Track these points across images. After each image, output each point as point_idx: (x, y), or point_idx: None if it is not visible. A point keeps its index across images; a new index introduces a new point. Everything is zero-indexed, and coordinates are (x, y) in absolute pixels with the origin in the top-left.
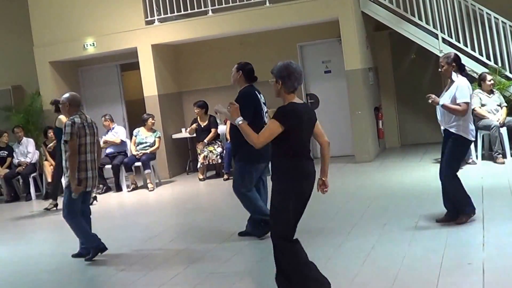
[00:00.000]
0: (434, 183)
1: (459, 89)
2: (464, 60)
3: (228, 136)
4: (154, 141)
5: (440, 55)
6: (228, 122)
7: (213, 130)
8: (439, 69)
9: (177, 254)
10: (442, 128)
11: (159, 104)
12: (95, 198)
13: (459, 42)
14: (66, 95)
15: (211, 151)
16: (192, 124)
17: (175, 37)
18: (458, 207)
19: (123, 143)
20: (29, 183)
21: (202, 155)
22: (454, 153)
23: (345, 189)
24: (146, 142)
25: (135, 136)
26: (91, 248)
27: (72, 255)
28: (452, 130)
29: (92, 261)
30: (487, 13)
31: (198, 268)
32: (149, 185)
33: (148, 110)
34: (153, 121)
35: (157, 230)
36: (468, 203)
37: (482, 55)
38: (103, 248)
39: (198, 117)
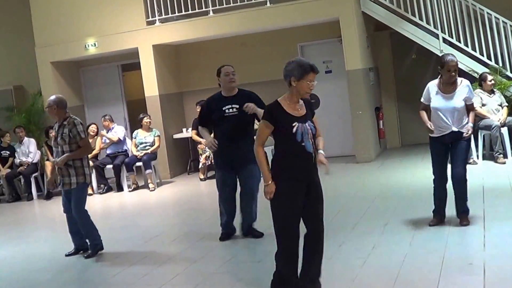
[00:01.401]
0: None
1: (471, 89)
2: (465, 60)
3: None
4: (154, 140)
5: (441, 55)
6: None
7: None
8: (453, 73)
9: (178, 254)
10: (446, 132)
11: (160, 104)
12: None
13: (459, 42)
14: (53, 97)
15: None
16: (193, 124)
17: (176, 38)
18: (465, 207)
19: (121, 141)
20: (31, 183)
21: (204, 156)
22: (467, 153)
23: (345, 189)
24: (146, 142)
25: (135, 138)
26: (94, 245)
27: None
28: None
29: (92, 261)
30: (487, 13)
31: (198, 268)
32: (150, 185)
33: (149, 110)
34: (148, 120)
35: (158, 230)
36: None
37: (482, 55)
38: (102, 247)
39: None
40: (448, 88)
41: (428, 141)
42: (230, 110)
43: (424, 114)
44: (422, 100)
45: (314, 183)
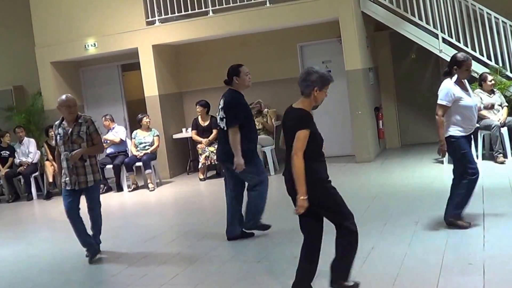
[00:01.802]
0: (435, 183)
1: None
2: None
3: None
4: (153, 140)
5: (440, 55)
6: None
7: (214, 130)
8: (470, 71)
9: (178, 254)
10: (473, 128)
11: (159, 104)
12: None
13: (459, 42)
14: (69, 96)
15: (212, 152)
16: (193, 124)
17: (176, 38)
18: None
19: (123, 142)
20: (31, 183)
21: (203, 156)
22: None
23: (345, 189)
24: (145, 142)
25: (134, 138)
26: (98, 244)
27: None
28: None
29: (94, 261)
30: (487, 13)
31: (198, 268)
32: (150, 185)
33: (148, 110)
34: (147, 120)
35: (158, 230)
36: None
37: (482, 55)
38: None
39: (199, 117)
40: (464, 86)
41: (427, 142)
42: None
43: (443, 126)
44: (445, 103)
45: None
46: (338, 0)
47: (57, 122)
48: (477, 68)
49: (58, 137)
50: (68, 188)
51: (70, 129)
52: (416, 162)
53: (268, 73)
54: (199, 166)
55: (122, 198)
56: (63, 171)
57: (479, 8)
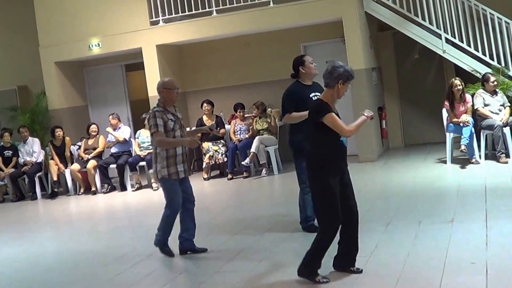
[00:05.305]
0: (438, 182)
1: None
2: (468, 60)
3: (232, 136)
4: None
5: (444, 55)
6: (232, 123)
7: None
8: None
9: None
10: None
11: None
12: None
13: (462, 42)
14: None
15: (216, 151)
16: (197, 123)
17: (180, 38)
18: None
19: (127, 142)
20: (35, 182)
21: (207, 155)
22: None
23: None
24: (148, 142)
25: (137, 138)
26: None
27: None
28: None
29: (97, 260)
30: (490, 13)
31: (202, 267)
32: (154, 185)
33: None
34: None
35: None
36: None
37: (485, 55)
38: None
39: (205, 115)
40: None
41: (430, 142)
42: (315, 98)
43: None
44: None
45: (347, 174)
46: (341, 0)
47: (156, 108)
48: (479, 68)
49: (170, 122)
50: (182, 176)
51: (178, 113)
52: (419, 162)
53: (271, 73)
54: (203, 166)
55: (125, 198)
56: (172, 160)
57: (482, 8)
